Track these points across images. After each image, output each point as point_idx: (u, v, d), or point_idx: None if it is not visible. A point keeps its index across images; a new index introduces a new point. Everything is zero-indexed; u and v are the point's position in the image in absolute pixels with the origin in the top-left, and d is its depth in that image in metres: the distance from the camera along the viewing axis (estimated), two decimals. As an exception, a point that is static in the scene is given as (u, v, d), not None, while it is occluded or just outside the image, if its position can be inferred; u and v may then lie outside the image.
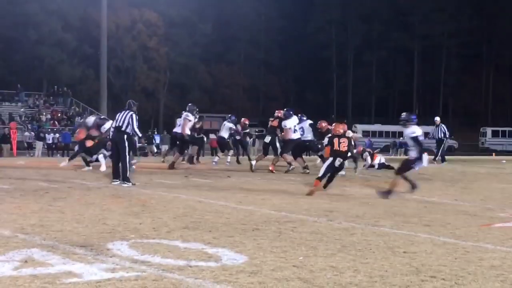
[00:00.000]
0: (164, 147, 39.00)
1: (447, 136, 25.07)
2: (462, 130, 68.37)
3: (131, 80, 65.68)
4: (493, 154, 46.49)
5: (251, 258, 5.73)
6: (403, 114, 12.01)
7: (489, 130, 63.74)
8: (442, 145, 24.64)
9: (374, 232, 7.38)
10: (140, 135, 14.85)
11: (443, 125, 24.96)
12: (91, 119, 18.89)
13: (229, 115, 20.62)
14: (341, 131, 12.59)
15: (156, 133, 47.01)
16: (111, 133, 14.16)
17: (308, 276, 5.07)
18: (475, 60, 79.23)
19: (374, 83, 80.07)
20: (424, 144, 12.06)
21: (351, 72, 79.70)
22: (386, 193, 11.38)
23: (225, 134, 21.62)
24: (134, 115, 13.37)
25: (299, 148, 18.45)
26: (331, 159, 12.31)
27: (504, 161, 29.00)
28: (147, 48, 65.30)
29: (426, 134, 22.66)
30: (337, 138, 12.45)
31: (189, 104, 20.17)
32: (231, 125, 21.60)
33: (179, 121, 20.24)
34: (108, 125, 16.55)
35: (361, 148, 21.21)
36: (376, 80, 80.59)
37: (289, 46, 77.92)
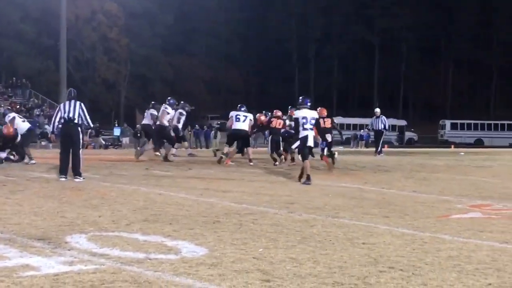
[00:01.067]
0: (125, 139, 38.76)
1: (387, 128, 24.94)
2: (422, 123, 69.35)
3: (91, 71, 64.94)
4: (452, 146, 47.19)
5: (211, 251, 5.72)
6: (300, 98, 13.86)
7: (448, 123, 64.65)
8: (382, 137, 24.45)
9: (334, 224, 7.43)
10: (92, 125, 14.26)
11: (383, 117, 24.69)
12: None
13: (169, 98, 20.04)
14: (325, 113, 16.76)
15: (116, 125, 46.63)
16: (56, 125, 13.12)
17: (267, 267, 5.08)
18: (434, 54, 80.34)
19: (335, 76, 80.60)
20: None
21: (313, 65, 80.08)
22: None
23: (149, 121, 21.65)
24: (83, 105, 12.88)
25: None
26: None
27: (462, 153, 29.47)
28: (108, 39, 64.59)
29: (365, 126, 22.81)
30: (322, 119, 15.58)
31: (182, 102, 20.14)
32: (153, 111, 21.48)
33: (147, 113, 20.46)
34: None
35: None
36: (337, 73, 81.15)
37: (250, 39, 77.96)
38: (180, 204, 8.90)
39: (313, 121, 13.26)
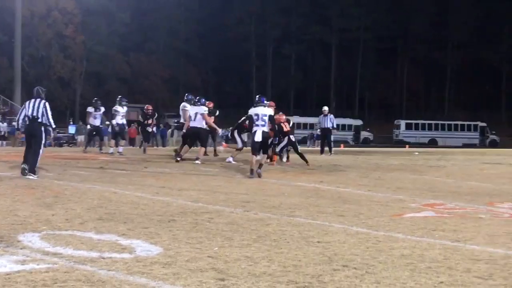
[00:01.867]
0: (80, 137, 38.27)
1: (334, 126, 24.92)
2: (378, 123, 70.12)
3: (47, 69, 63.95)
4: (407, 146, 47.77)
5: (166, 249, 5.69)
6: (256, 96, 14.83)
7: (403, 123, 65.49)
8: (330, 136, 24.42)
9: (289, 223, 7.46)
10: (54, 126, 14.17)
11: (331, 115, 24.62)
12: None
13: (186, 94, 19.63)
14: (284, 118, 17.68)
15: (71, 123, 46.06)
16: (21, 122, 13.01)
17: (222, 266, 5.08)
18: (390, 54, 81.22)
19: (293, 75, 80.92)
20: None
21: (271, 64, 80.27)
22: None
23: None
24: (47, 104, 12.85)
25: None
26: (285, 139, 17.26)
27: (416, 153, 29.85)
28: (63, 36, 63.71)
29: (313, 125, 22.74)
30: (282, 123, 17.18)
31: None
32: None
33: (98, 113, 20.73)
34: None
35: None
36: (295, 72, 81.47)
37: (209, 37, 77.76)
38: (135, 203, 8.83)
39: (265, 118, 13.93)
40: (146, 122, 21.82)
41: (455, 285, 4.72)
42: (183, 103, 18.98)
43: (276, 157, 18.16)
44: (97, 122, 21.69)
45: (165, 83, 73.72)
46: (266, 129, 13.95)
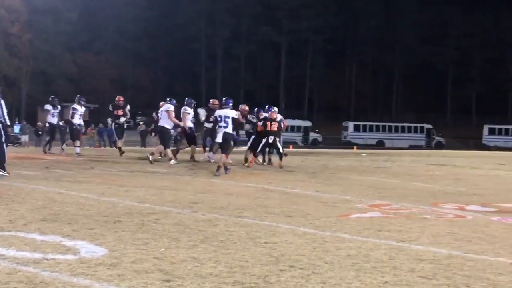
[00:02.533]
0: (24, 137, 37.70)
1: (282, 128, 25.03)
2: (326, 124, 70.68)
3: (-9, 67, 62.67)
4: (354, 147, 48.24)
5: (111, 251, 5.62)
6: (223, 99, 15.68)
7: (351, 124, 66.14)
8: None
9: (236, 223, 7.45)
10: (9, 123, 13.89)
11: (281, 117, 24.78)
12: None
13: (186, 98, 19.57)
14: (275, 116, 17.98)
15: (17, 122, 45.22)
16: None
17: (168, 267, 5.04)
18: (339, 56, 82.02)
19: (243, 76, 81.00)
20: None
21: (220, 64, 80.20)
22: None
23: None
24: (2, 101, 12.64)
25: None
26: (265, 138, 17.40)
27: (364, 154, 30.18)
28: (9, 34, 62.47)
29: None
30: (269, 122, 17.63)
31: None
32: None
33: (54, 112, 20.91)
34: None
35: None
36: (244, 73, 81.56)
37: (158, 37, 77.26)
38: (81, 204, 8.70)
39: (228, 120, 14.75)
40: (117, 113, 20.99)
41: (400, 285, 4.77)
42: (184, 107, 18.87)
43: (254, 159, 18.36)
44: (54, 120, 21.37)
45: (113, 83, 72.91)
46: (229, 130, 14.74)
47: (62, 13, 65.96)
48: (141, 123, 41.19)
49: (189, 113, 18.58)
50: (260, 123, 18.20)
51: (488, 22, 75.82)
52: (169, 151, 17.75)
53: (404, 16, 79.31)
